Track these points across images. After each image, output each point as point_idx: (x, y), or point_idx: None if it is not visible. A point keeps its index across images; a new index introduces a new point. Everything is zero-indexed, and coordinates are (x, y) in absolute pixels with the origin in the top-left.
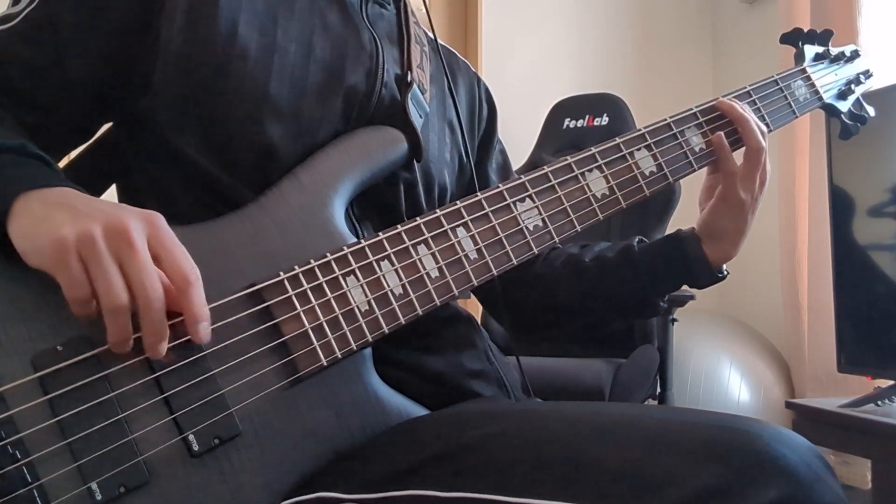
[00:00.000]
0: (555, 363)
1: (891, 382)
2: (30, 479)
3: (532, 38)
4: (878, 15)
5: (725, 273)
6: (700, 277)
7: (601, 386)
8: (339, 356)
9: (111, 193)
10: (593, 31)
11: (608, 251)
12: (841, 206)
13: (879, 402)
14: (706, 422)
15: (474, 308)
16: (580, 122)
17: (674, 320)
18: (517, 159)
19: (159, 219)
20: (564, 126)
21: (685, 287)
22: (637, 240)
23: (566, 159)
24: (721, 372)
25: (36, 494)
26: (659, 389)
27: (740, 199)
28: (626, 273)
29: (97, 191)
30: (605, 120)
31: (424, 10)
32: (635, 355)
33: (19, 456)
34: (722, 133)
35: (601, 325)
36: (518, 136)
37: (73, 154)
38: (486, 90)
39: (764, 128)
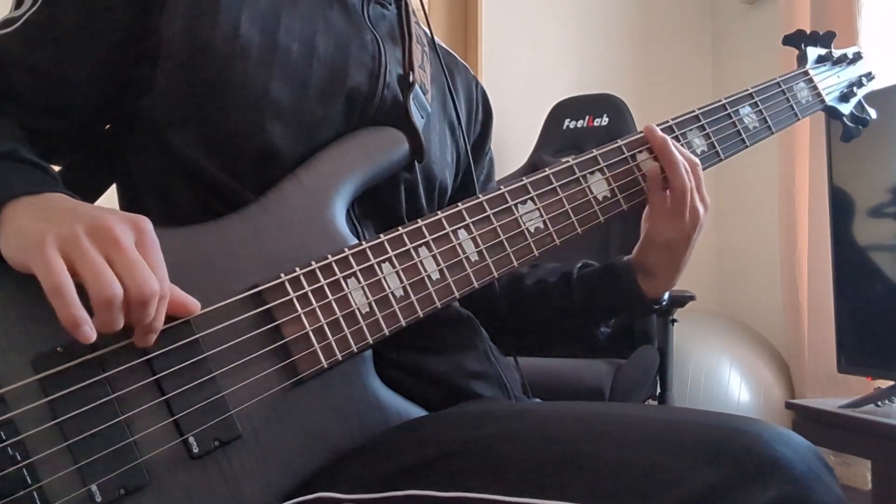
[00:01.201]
0: (555, 364)
1: (891, 383)
2: (30, 481)
3: (532, 38)
4: (879, 15)
5: (662, 304)
6: (634, 309)
7: (601, 386)
8: (340, 358)
9: (111, 193)
10: (593, 32)
11: (550, 275)
12: (841, 207)
13: (879, 403)
14: (706, 422)
15: None
16: (580, 123)
17: (674, 321)
18: (517, 160)
19: (146, 223)
20: (564, 126)
21: (685, 287)
22: (580, 265)
23: (568, 161)
24: (721, 372)
25: (36, 496)
26: (659, 390)
27: (668, 237)
28: (563, 301)
29: (97, 191)
30: (605, 120)
31: (422, 10)
32: (635, 356)
33: (19, 458)
34: (657, 170)
35: (544, 347)
36: (518, 137)
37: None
38: (484, 94)
39: (697, 162)
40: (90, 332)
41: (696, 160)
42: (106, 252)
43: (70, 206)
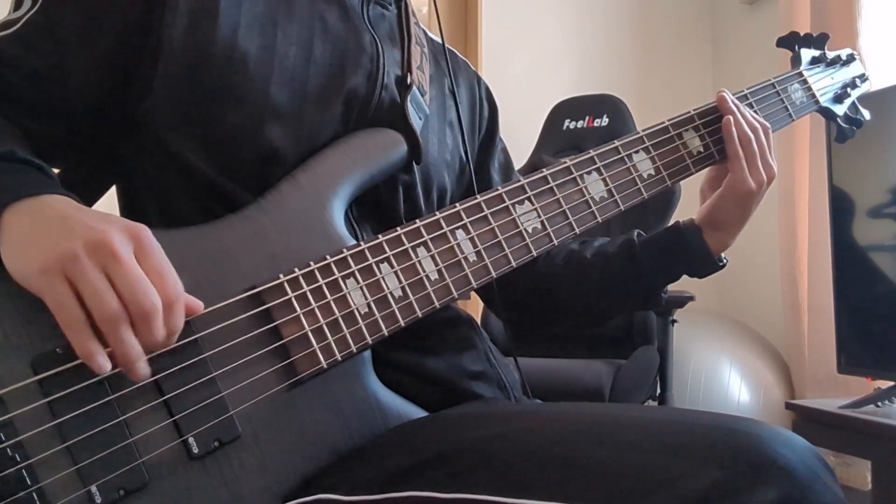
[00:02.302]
0: (555, 364)
1: (891, 383)
2: (29, 482)
3: (532, 38)
4: (879, 16)
5: (725, 261)
6: (701, 268)
7: (601, 387)
8: (339, 358)
9: (111, 194)
10: (593, 32)
11: (609, 246)
12: (841, 207)
13: (879, 403)
14: (706, 422)
15: (475, 309)
16: (580, 123)
17: (674, 321)
18: (517, 160)
19: (145, 232)
20: (564, 127)
21: (684, 287)
22: (636, 234)
23: (565, 162)
24: (721, 373)
25: (35, 497)
26: (659, 390)
27: (750, 187)
28: (628, 267)
29: (97, 192)
30: (605, 121)
31: (434, 12)
32: (635, 356)
33: (19, 459)
34: (731, 119)
35: (601, 321)
36: (518, 137)
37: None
38: (487, 89)
39: (759, 122)
40: (104, 363)
41: (765, 124)
42: (104, 267)
43: (68, 213)
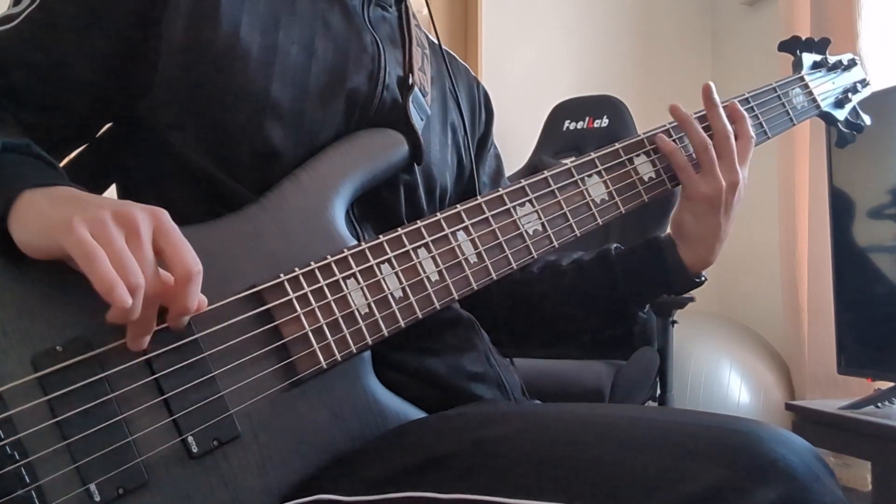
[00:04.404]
0: (555, 365)
1: (891, 384)
2: (28, 480)
3: (532, 39)
4: (879, 17)
5: (704, 278)
6: (676, 283)
7: (601, 388)
8: (339, 359)
9: (111, 193)
10: (593, 33)
11: (585, 256)
12: (841, 208)
13: (879, 404)
14: (705, 423)
15: None
16: (580, 124)
17: (674, 322)
18: (517, 161)
19: (164, 214)
20: (564, 128)
21: None
22: (614, 246)
23: (566, 164)
24: (721, 374)
25: (34, 495)
26: (659, 391)
27: (703, 194)
28: (604, 277)
29: (97, 190)
30: (605, 122)
31: (427, 13)
32: (635, 357)
33: (18, 457)
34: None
35: (576, 334)
36: (518, 138)
37: (73, 153)
38: (485, 94)
39: (725, 128)
40: (125, 295)
41: (730, 130)
42: (128, 239)
43: (86, 196)
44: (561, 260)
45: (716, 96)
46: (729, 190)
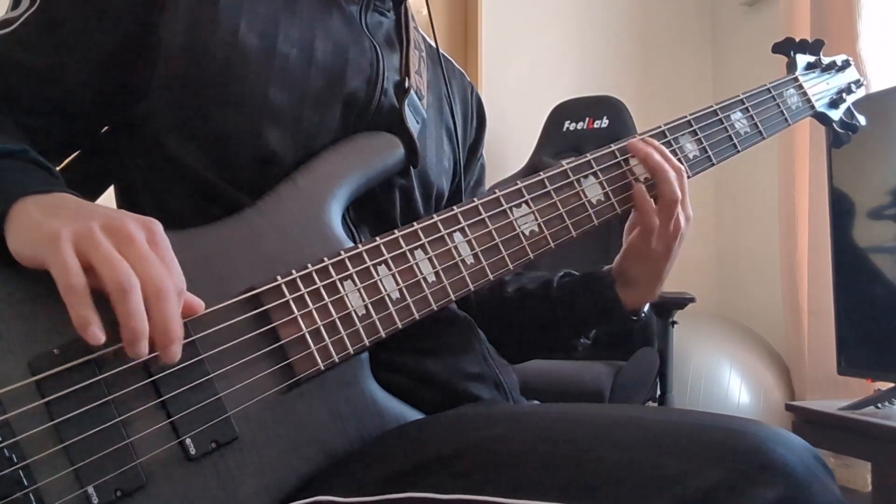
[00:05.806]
0: (554, 365)
1: (891, 385)
2: (26, 483)
3: (532, 40)
4: (879, 18)
5: (642, 316)
6: (612, 319)
7: (601, 388)
8: (337, 360)
9: (109, 195)
10: (593, 34)
11: (530, 283)
12: (841, 209)
13: (879, 405)
14: (705, 423)
15: None
16: (580, 125)
17: (674, 323)
18: (517, 161)
19: (157, 226)
20: (564, 128)
21: (685, 289)
22: (561, 273)
23: (562, 165)
24: (721, 374)
25: (32, 498)
26: (659, 392)
27: (653, 251)
28: (543, 307)
29: (95, 193)
30: (604, 122)
31: (427, 15)
32: (635, 358)
33: (16, 459)
34: (643, 186)
35: (517, 359)
36: (518, 139)
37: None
38: (479, 101)
39: (683, 170)
40: (98, 334)
41: (682, 168)
42: (119, 248)
43: (81, 204)
44: (508, 285)
45: (641, 147)
46: (677, 241)
